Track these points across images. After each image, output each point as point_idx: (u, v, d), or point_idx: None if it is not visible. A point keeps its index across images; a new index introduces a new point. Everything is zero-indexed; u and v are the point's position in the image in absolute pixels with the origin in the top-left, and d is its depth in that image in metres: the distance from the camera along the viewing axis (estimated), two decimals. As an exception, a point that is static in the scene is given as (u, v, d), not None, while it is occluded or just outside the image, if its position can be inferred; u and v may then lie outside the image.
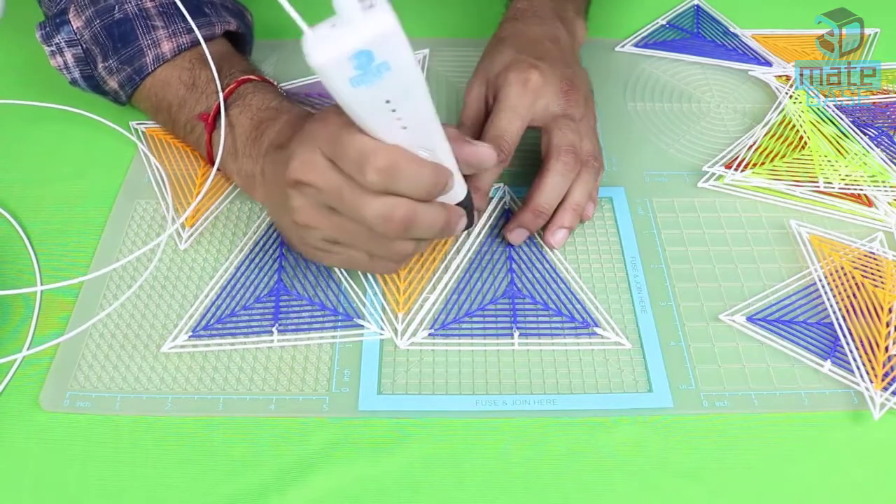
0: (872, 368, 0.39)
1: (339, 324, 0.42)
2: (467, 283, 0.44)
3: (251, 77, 0.46)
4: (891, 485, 0.36)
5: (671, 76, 0.59)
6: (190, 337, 0.41)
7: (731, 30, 0.63)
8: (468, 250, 0.45)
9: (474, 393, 0.39)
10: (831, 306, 0.42)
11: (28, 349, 0.40)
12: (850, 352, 0.40)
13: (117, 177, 0.50)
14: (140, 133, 0.53)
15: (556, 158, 0.43)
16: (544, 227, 0.45)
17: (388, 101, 0.29)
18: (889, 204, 0.48)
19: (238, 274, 0.44)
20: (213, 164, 0.45)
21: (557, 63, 0.47)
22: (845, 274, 0.44)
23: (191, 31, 0.47)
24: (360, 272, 0.44)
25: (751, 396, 0.39)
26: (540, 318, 0.42)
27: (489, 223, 0.47)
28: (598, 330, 0.41)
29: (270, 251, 0.45)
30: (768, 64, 0.59)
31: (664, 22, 0.64)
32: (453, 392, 0.39)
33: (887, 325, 0.41)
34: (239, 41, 0.52)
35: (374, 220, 0.34)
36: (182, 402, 0.38)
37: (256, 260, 0.45)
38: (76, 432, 0.37)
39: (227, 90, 0.45)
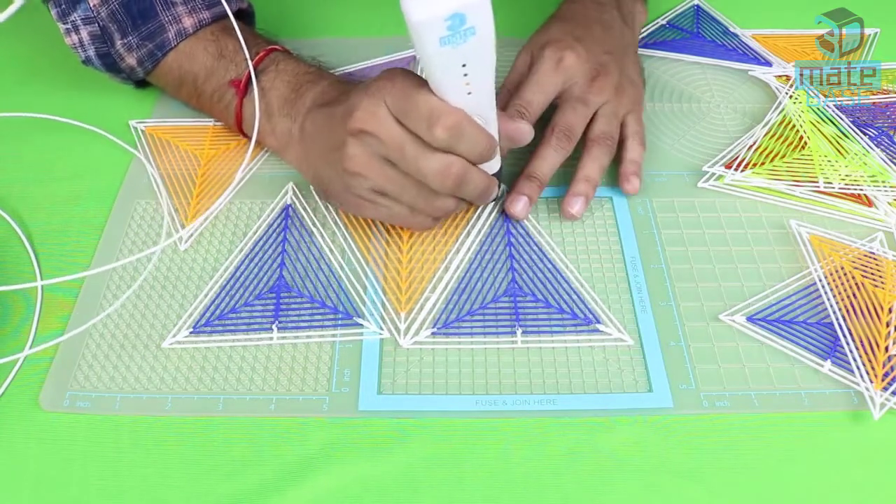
0: (872, 368, 0.39)
1: (340, 322, 0.42)
2: (468, 281, 0.44)
3: (277, 47, 0.49)
4: (891, 485, 0.36)
5: (671, 76, 0.59)
6: (191, 333, 0.41)
7: (731, 30, 0.63)
8: (468, 249, 0.45)
9: (474, 393, 0.39)
10: (831, 306, 0.42)
11: (28, 349, 0.40)
12: (850, 352, 0.40)
13: (117, 177, 0.50)
14: (139, 132, 0.53)
15: (549, 134, 0.46)
16: (563, 201, 0.47)
17: (464, 65, 0.33)
18: (889, 204, 0.48)
19: (239, 271, 0.44)
20: (241, 129, 0.49)
21: (597, 47, 0.49)
22: (845, 274, 0.44)
23: (209, 6, 0.49)
24: (362, 272, 0.44)
25: (751, 396, 0.39)
26: (542, 316, 0.42)
27: (489, 222, 0.47)
28: (600, 327, 0.41)
29: (272, 249, 0.45)
30: (768, 64, 0.59)
31: (664, 22, 0.64)
32: (453, 392, 0.39)
33: (887, 325, 0.41)
34: (245, 21, 0.54)
35: (432, 173, 0.38)
36: (182, 402, 0.38)
37: (258, 258, 0.45)
38: (76, 432, 0.37)
39: (257, 57, 0.47)
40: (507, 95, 0.49)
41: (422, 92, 0.35)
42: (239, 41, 0.47)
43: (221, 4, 0.49)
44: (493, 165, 0.41)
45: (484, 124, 0.37)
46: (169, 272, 0.44)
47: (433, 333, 0.41)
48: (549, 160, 0.46)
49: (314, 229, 0.46)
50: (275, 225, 0.47)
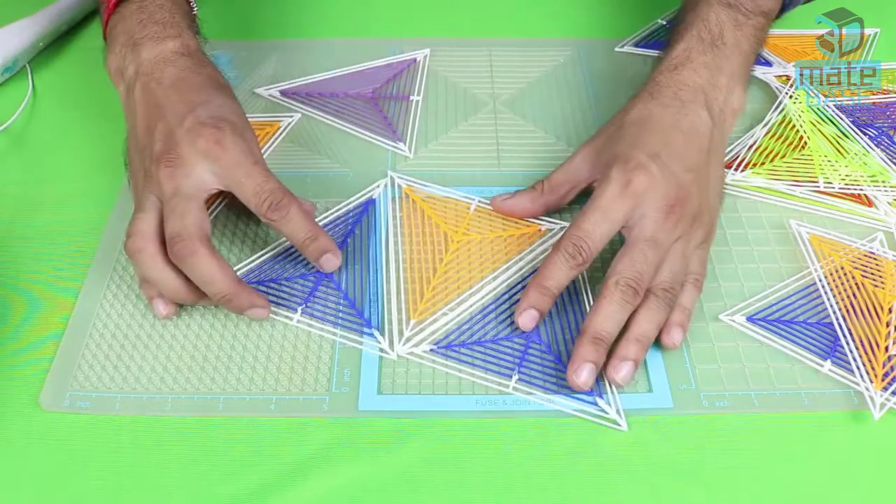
0: (872, 368, 0.39)
1: (365, 330, 0.41)
2: (490, 311, 0.42)
3: None
4: (891, 485, 0.36)
5: (671, 76, 0.59)
6: None
7: (731, 30, 0.62)
8: (506, 279, 0.44)
9: (474, 393, 0.39)
10: (831, 306, 0.42)
11: (28, 349, 0.40)
12: (850, 352, 0.40)
13: (117, 177, 0.50)
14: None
15: (612, 287, 0.38)
16: (607, 363, 0.39)
17: None
18: (889, 204, 0.48)
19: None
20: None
21: (677, 163, 0.41)
22: (845, 274, 0.44)
23: None
24: (395, 278, 0.44)
25: (751, 396, 0.39)
26: (546, 370, 0.40)
27: (539, 259, 0.44)
28: (600, 402, 0.38)
29: (337, 234, 0.46)
30: (768, 64, 0.59)
31: (664, 22, 0.64)
32: (453, 392, 0.39)
33: (887, 325, 0.41)
34: None
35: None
36: (182, 402, 0.38)
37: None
38: (76, 432, 0.37)
39: None
40: (547, 194, 0.45)
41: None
42: None
43: None
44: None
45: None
46: (169, 272, 0.44)
47: (431, 350, 0.41)
48: (615, 318, 0.38)
49: (383, 229, 0.47)
50: (353, 212, 0.47)
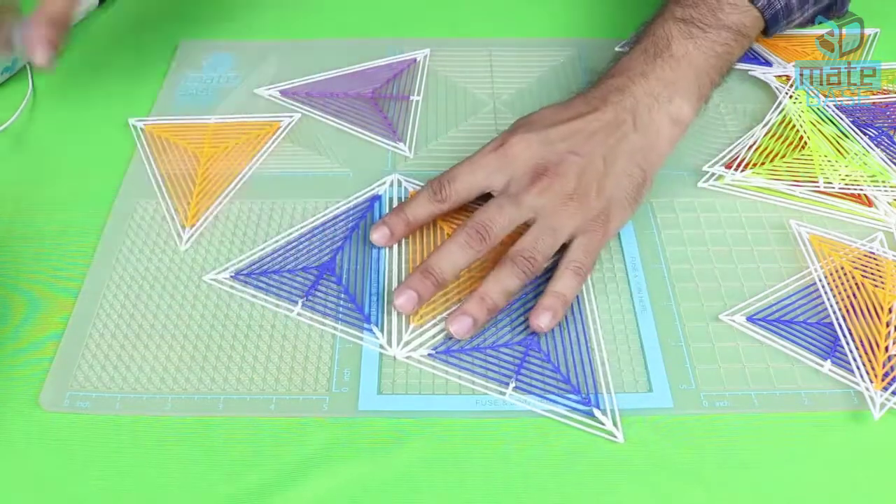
0: (872, 368, 0.39)
1: (364, 326, 0.42)
2: (493, 318, 0.42)
3: None
4: (891, 485, 0.36)
5: (671, 76, 0.59)
6: (231, 276, 0.43)
7: (731, 30, 0.63)
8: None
9: (474, 393, 0.39)
10: (831, 306, 0.42)
11: (28, 349, 0.40)
12: (850, 352, 0.40)
13: (117, 177, 0.50)
14: (139, 130, 0.53)
15: (459, 229, 0.41)
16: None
17: None
18: (889, 204, 0.48)
19: (305, 237, 0.46)
20: None
21: (564, 142, 0.42)
22: (845, 274, 0.44)
23: None
24: (398, 278, 0.44)
25: (751, 396, 0.39)
26: (546, 378, 0.39)
27: (546, 265, 0.43)
28: (597, 412, 0.38)
29: (342, 229, 0.46)
30: (768, 64, 0.59)
31: (664, 22, 0.64)
32: (453, 392, 0.39)
33: (887, 325, 0.41)
34: None
35: None
36: (182, 402, 0.38)
37: (329, 230, 0.46)
38: (76, 432, 0.37)
39: None
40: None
41: None
42: None
43: None
44: None
45: None
46: (169, 272, 0.44)
47: (430, 354, 0.40)
48: (452, 257, 0.40)
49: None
50: (359, 207, 0.47)
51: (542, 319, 0.40)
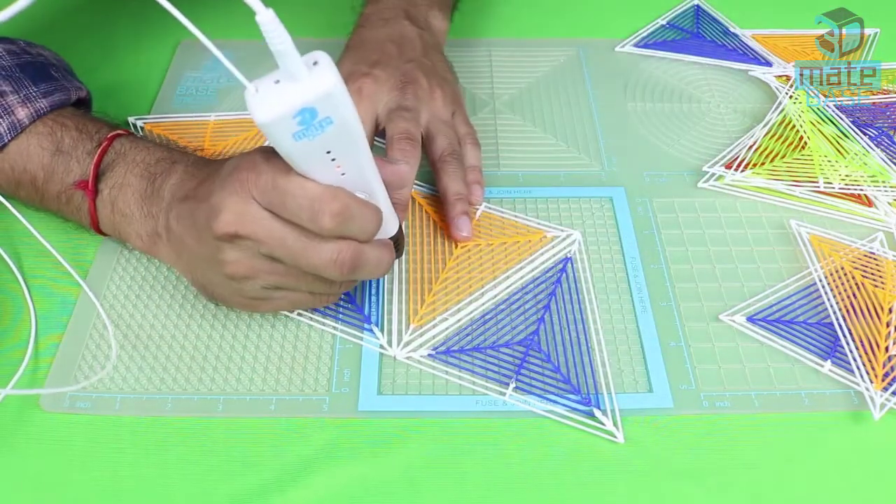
0: (872, 368, 0.39)
1: (365, 326, 0.42)
2: (491, 317, 0.42)
3: (121, 132, 0.42)
4: (891, 485, 0.36)
5: (671, 76, 0.59)
6: None
7: (731, 30, 0.63)
8: (509, 286, 0.43)
9: (474, 393, 0.39)
10: (831, 306, 0.42)
11: (28, 349, 0.40)
12: (850, 352, 0.40)
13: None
14: (139, 129, 0.53)
15: (392, 148, 0.44)
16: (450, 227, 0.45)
17: (328, 152, 0.29)
18: (889, 204, 0.48)
19: None
20: (99, 231, 0.42)
21: (394, 62, 0.48)
22: (845, 274, 0.44)
23: (46, 94, 0.42)
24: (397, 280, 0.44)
25: (751, 396, 0.39)
26: (546, 378, 0.39)
27: (545, 265, 0.44)
28: (597, 412, 0.38)
29: None
30: (768, 64, 0.59)
31: (664, 22, 0.64)
32: (453, 392, 0.39)
33: (887, 325, 0.41)
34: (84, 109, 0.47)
35: (324, 265, 0.34)
36: (182, 402, 0.38)
37: None
38: (76, 432, 0.37)
39: (100, 150, 0.40)
40: None
41: (292, 179, 0.31)
42: (75, 132, 0.41)
43: (57, 93, 0.42)
44: (390, 228, 0.37)
45: (369, 197, 0.33)
46: (169, 272, 0.44)
47: (430, 355, 0.40)
48: (405, 174, 0.40)
49: None
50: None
51: (476, 193, 0.47)
